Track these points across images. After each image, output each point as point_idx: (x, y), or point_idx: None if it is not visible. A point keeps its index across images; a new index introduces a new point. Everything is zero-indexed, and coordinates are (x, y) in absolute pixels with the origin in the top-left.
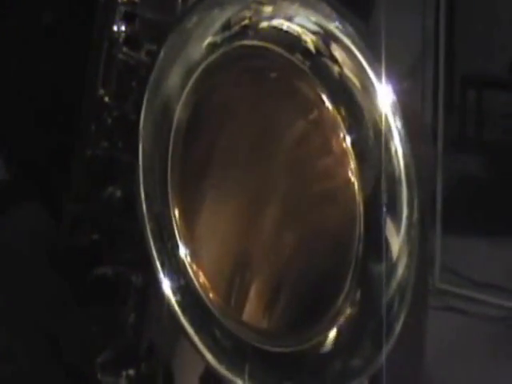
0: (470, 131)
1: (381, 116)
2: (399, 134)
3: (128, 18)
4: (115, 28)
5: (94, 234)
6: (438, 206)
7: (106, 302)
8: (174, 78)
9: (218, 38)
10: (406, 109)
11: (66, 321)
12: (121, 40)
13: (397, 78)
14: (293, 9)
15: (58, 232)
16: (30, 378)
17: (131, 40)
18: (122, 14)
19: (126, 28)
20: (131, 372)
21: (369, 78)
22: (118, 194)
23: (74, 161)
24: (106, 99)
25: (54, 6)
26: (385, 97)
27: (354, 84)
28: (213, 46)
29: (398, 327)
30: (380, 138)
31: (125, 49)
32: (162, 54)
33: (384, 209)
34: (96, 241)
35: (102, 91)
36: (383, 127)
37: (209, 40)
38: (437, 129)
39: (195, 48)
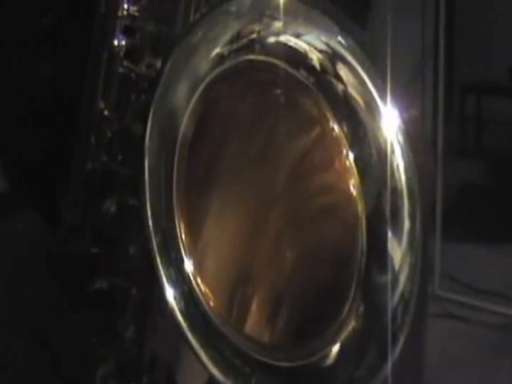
0: (469, 138)
1: (383, 135)
2: (401, 148)
3: (128, 32)
4: (115, 42)
5: (92, 245)
6: (438, 213)
7: (103, 313)
8: (180, 91)
9: (226, 50)
10: (410, 128)
11: (63, 331)
12: (121, 53)
13: (401, 99)
14: (301, 26)
15: (54, 241)
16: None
17: (131, 53)
18: (122, 27)
19: (126, 41)
20: None
21: (372, 97)
22: (117, 206)
23: (72, 173)
24: (106, 112)
25: (54, 12)
26: (390, 120)
27: (357, 102)
28: (220, 58)
29: (402, 337)
30: (382, 153)
31: (125, 62)
32: (167, 67)
33: (385, 221)
34: (93, 252)
35: (101, 104)
36: (388, 150)
37: (217, 51)
38: (436, 135)
39: (202, 60)
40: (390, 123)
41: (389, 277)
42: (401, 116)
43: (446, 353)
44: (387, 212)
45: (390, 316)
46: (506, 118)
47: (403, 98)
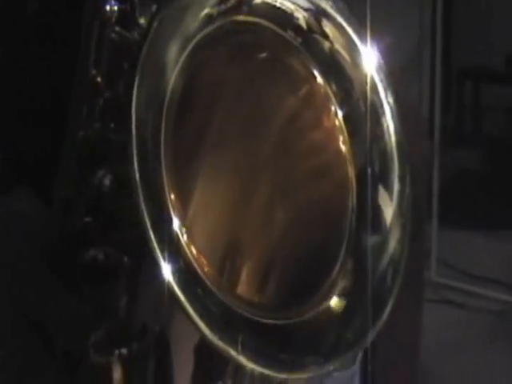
0: (467, 125)
1: (371, 87)
2: (391, 109)
3: None
4: (107, 7)
5: (86, 216)
6: (435, 199)
7: (96, 283)
8: (168, 51)
9: (215, 11)
10: (393, 70)
11: (54, 303)
12: (113, 19)
13: (383, 41)
14: None
15: (49, 216)
16: (18, 361)
17: (124, 19)
18: None
19: (118, 7)
20: (123, 351)
21: (359, 52)
22: (110, 175)
23: (65, 142)
24: (98, 79)
25: None
26: (370, 59)
27: (344, 59)
28: (209, 18)
29: (391, 301)
30: (371, 111)
31: (117, 28)
32: (155, 26)
33: (375, 181)
34: (87, 223)
35: (93, 71)
36: (369, 87)
37: (206, 11)
38: (434, 122)
39: (191, 20)
40: (373, 69)
41: (369, 238)
42: (384, 61)
43: (442, 338)
44: (376, 169)
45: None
46: (504, 104)
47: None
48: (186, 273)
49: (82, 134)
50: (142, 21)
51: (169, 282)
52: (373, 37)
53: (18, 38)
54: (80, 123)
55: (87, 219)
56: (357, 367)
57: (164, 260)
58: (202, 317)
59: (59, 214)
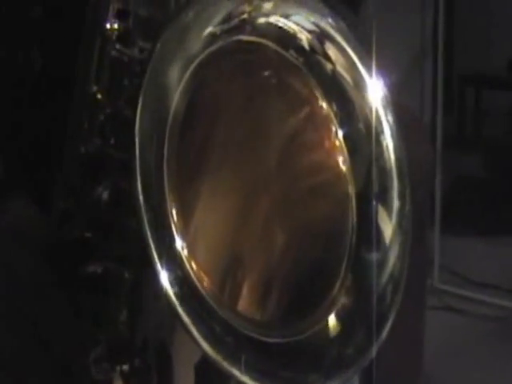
0: (468, 130)
1: (372, 110)
2: (390, 128)
3: (121, 15)
4: (108, 25)
5: (85, 230)
6: (437, 205)
7: (97, 297)
8: (171, 71)
9: (218, 30)
10: (397, 103)
11: (55, 316)
12: (114, 37)
13: (388, 72)
14: (290, 7)
15: (46, 227)
16: (20, 376)
17: (124, 37)
18: (114, 10)
19: (118, 25)
20: (125, 367)
21: (360, 75)
22: (110, 190)
23: (65, 157)
24: (99, 96)
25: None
26: (375, 91)
27: (346, 80)
28: (212, 37)
29: (391, 317)
30: (371, 132)
31: (118, 46)
32: (158, 48)
33: (375, 200)
34: (87, 237)
35: (94, 88)
36: (373, 120)
37: (209, 30)
38: (436, 127)
39: (194, 39)
40: (378, 99)
41: (375, 255)
42: (389, 93)
43: (444, 345)
44: (376, 188)
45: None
46: (506, 109)
47: (392, 76)
48: (188, 292)
49: (82, 149)
50: (141, 39)
51: (169, 298)
52: (376, 64)
53: (22, 49)
54: (80, 138)
55: (87, 234)
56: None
57: (164, 272)
58: (204, 336)
59: (58, 228)
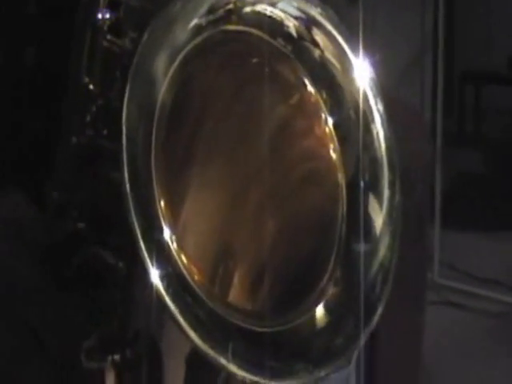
0: (468, 127)
1: (361, 96)
2: (381, 117)
3: (112, 6)
4: (99, 16)
5: (79, 221)
6: (437, 201)
7: (89, 288)
8: (158, 61)
9: (203, 21)
10: (397, 100)
11: (46, 308)
12: (105, 28)
13: (373, 52)
14: None
15: (41, 220)
16: (12, 366)
17: (115, 28)
18: (106, 1)
19: (110, 16)
20: (116, 357)
21: (348, 60)
22: (103, 181)
23: (58, 149)
24: (91, 87)
25: None
26: (361, 68)
27: (334, 66)
28: (198, 29)
29: (380, 307)
30: (361, 119)
31: (109, 36)
32: (145, 38)
33: (365, 189)
34: (80, 228)
35: (86, 79)
36: (361, 95)
37: (195, 22)
38: (436, 124)
39: (180, 31)
40: (366, 82)
41: (362, 246)
42: (376, 73)
43: (444, 340)
44: (367, 178)
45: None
46: (506, 107)
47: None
48: (176, 281)
49: (74, 140)
50: (132, 29)
51: (158, 291)
52: (364, 46)
53: (15, 43)
54: (73, 130)
55: (81, 225)
56: (352, 368)
57: (153, 267)
58: (192, 326)
59: (52, 219)
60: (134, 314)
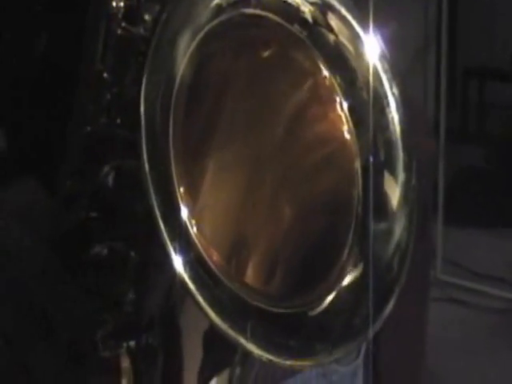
0: (472, 123)
1: (376, 78)
2: (396, 101)
3: None
4: (114, 3)
5: (91, 210)
6: (440, 197)
7: (103, 278)
8: (178, 41)
9: (224, 1)
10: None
11: (60, 296)
12: (120, 15)
13: (387, 31)
14: None
15: (53, 208)
16: (27, 356)
17: (130, 15)
18: None
19: (124, 3)
20: (132, 344)
21: (362, 44)
22: (116, 170)
23: (71, 137)
24: (105, 75)
25: None
26: (373, 50)
27: (348, 51)
28: (218, 8)
29: (397, 288)
30: (375, 102)
31: (124, 24)
32: (165, 17)
33: (380, 169)
34: (93, 217)
35: (100, 67)
36: (372, 78)
37: (216, 1)
38: (439, 120)
39: (202, 9)
40: (376, 57)
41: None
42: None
43: (447, 336)
44: (382, 161)
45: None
46: (509, 102)
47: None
48: (195, 263)
49: (88, 128)
50: (147, 16)
51: (179, 272)
52: (376, 27)
53: (27, 32)
54: (86, 118)
55: (93, 214)
56: (360, 362)
57: (175, 251)
58: (211, 305)
59: (63, 208)
60: (148, 301)
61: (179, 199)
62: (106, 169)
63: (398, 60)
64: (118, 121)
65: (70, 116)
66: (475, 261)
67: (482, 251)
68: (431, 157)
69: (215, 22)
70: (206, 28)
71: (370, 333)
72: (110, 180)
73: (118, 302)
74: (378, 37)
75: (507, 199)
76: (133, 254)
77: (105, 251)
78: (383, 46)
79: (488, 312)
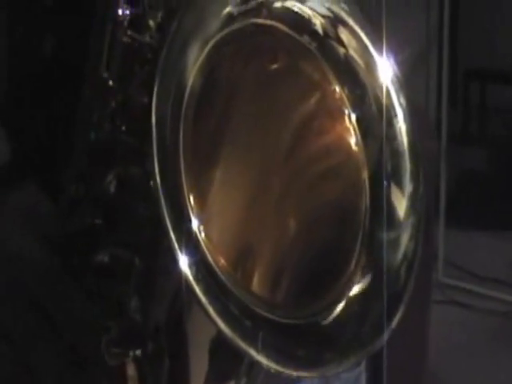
0: (473, 125)
1: (383, 92)
2: (403, 111)
3: (132, 1)
4: (119, 11)
5: (95, 217)
6: (442, 200)
7: (107, 283)
8: (189, 51)
9: (236, 10)
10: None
11: (65, 303)
12: (125, 23)
13: (398, 52)
14: None
15: (57, 214)
16: (32, 363)
17: (136, 23)
18: None
19: (130, 11)
20: (138, 352)
21: (372, 58)
22: (120, 177)
23: (75, 144)
24: (110, 83)
25: None
26: (386, 71)
27: (358, 64)
28: (229, 17)
29: (405, 297)
30: (383, 115)
31: (129, 32)
32: (175, 26)
33: (388, 180)
34: (97, 224)
35: (105, 74)
36: (384, 94)
37: (228, 10)
38: (440, 122)
39: (213, 18)
40: (389, 80)
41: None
42: (400, 71)
43: (449, 339)
44: (389, 172)
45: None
46: (510, 105)
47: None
48: (205, 272)
49: (93, 135)
50: (152, 24)
51: (188, 280)
52: (387, 43)
53: (33, 37)
54: (91, 125)
55: (97, 221)
56: (362, 367)
57: (185, 260)
58: (222, 316)
59: (68, 214)
60: (153, 308)
61: (188, 206)
62: (111, 175)
63: (406, 66)
64: (123, 127)
65: (74, 121)
66: (477, 263)
67: (484, 254)
68: (433, 160)
69: (225, 31)
70: (217, 37)
71: (384, 339)
72: (115, 186)
73: (122, 309)
74: (389, 52)
75: (509, 201)
76: (137, 260)
77: (109, 257)
78: (393, 61)
79: (490, 314)
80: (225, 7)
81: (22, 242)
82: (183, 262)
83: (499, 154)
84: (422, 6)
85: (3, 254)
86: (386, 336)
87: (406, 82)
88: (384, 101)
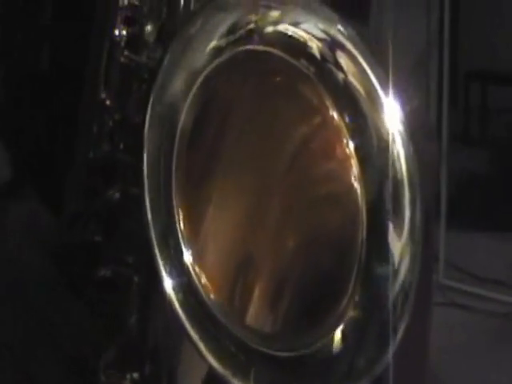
0: (474, 127)
1: (384, 123)
2: (401, 137)
3: (129, 22)
4: (116, 31)
5: (95, 234)
6: (443, 202)
7: (106, 301)
8: (178, 83)
9: (223, 42)
10: (411, 118)
11: (65, 320)
12: (122, 43)
13: (403, 87)
14: (299, 14)
15: (57, 229)
16: (26, 367)
17: (132, 43)
18: (123, 17)
19: (127, 31)
20: (135, 375)
21: (373, 86)
22: (119, 194)
23: (75, 162)
24: (108, 102)
25: (53, 6)
26: (391, 109)
27: (357, 91)
28: (217, 50)
29: (401, 327)
30: (383, 143)
31: (126, 52)
32: (166, 58)
33: (387, 213)
34: (97, 241)
35: (103, 94)
36: (390, 141)
37: (213, 44)
38: (441, 124)
39: (199, 53)
40: (391, 112)
41: (389, 268)
42: (402, 107)
43: (450, 341)
44: (388, 202)
45: (390, 306)
46: (510, 106)
47: (405, 87)
48: (194, 303)
49: (91, 154)
50: (150, 44)
51: (173, 304)
52: (396, 92)
53: (30, 51)
54: (89, 144)
55: (97, 237)
56: None
57: (168, 276)
58: (213, 352)
59: (68, 230)
60: (152, 329)
61: (179, 232)
62: (110, 192)
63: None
64: (121, 146)
65: (75, 135)
66: (478, 265)
67: (485, 255)
68: (433, 161)
69: (216, 62)
70: (207, 70)
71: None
72: (114, 204)
73: (121, 327)
74: (397, 100)
75: (510, 203)
76: (136, 278)
77: (108, 274)
78: (401, 112)
79: (490, 316)
80: (210, 41)
81: (22, 253)
82: (170, 290)
83: (500, 156)
84: (422, 8)
85: (4, 264)
86: (382, 365)
87: (404, 85)
88: (390, 144)
